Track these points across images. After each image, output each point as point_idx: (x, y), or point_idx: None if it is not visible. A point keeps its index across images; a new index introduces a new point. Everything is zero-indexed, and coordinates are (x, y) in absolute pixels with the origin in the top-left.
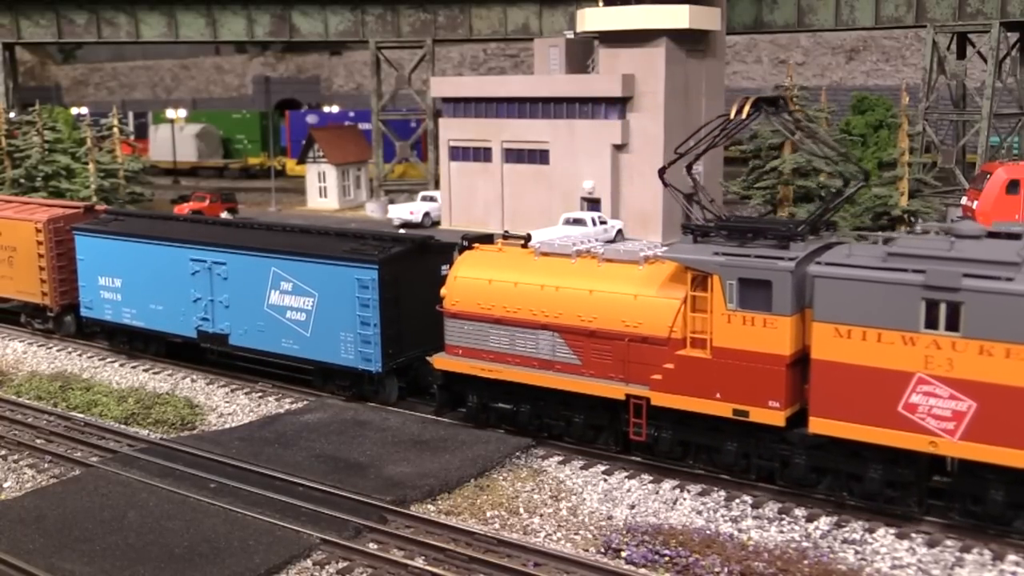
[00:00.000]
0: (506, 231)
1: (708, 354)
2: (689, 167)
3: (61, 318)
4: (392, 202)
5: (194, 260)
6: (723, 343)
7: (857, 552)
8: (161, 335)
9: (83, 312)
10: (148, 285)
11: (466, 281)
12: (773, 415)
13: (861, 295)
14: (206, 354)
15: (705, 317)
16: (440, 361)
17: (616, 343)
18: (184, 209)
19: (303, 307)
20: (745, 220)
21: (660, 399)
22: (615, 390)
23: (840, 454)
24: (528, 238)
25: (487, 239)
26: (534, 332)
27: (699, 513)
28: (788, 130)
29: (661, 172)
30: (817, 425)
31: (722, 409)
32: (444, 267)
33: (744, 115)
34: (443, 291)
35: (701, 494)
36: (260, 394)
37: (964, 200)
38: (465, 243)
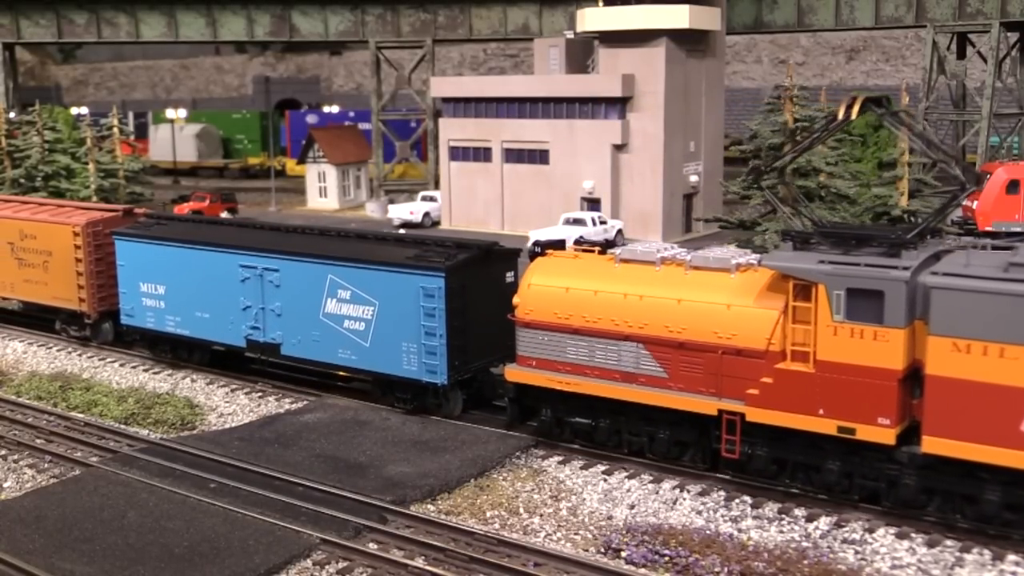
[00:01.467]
0: (581, 237)
1: (811, 368)
2: (782, 171)
3: (99, 325)
4: (392, 202)
5: (244, 266)
6: (828, 356)
7: (857, 552)
8: (207, 344)
9: (123, 320)
10: (194, 292)
11: (541, 289)
12: (883, 433)
13: (982, 307)
14: (251, 363)
15: (808, 329)
16: (512, 373)
17: (707, 355)
18: (184, 209)
19: (362, 316)
20: (849, 227)
21: (756, 415)
22: (706, 405)
23: (953, 474)
24: (606, 244)
25: (559, 245)
26: (616, 343)
27: (699, 513)
28: (896, 128)
29: (759, 174)
30: (931, 444)
31: (826, 426)
32: (509, 274)
33: (853, 115)
34: (516, 299)
35: (701, 494)
36: (260, 394)
37: (964, 200)
38: (537, 249)
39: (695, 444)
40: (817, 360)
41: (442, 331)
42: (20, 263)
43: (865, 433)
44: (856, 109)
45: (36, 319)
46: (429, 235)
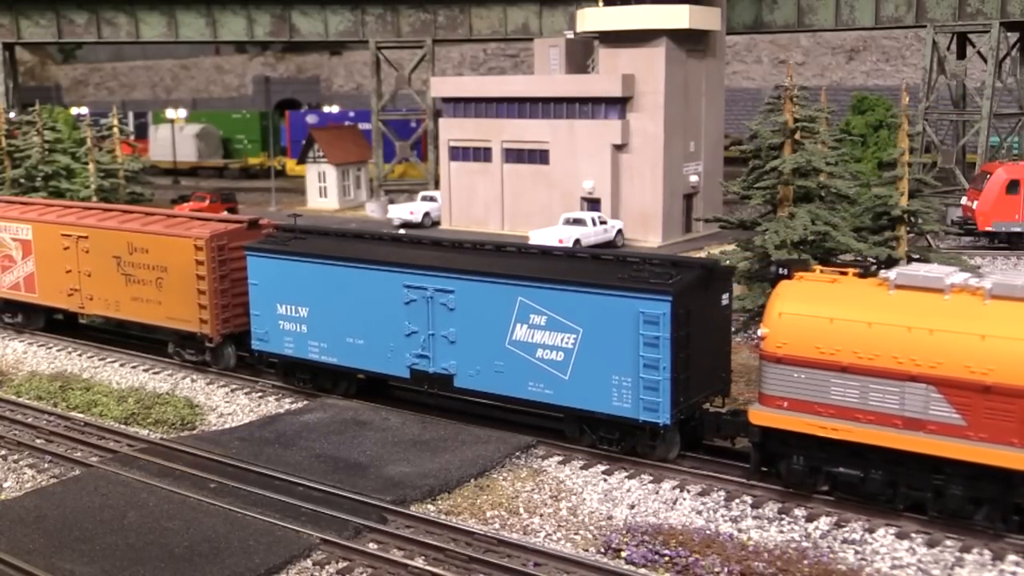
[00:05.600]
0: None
1: None
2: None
3: (221, 350)
4: (392, 202)
5: (410, 287)
6: None
7: (857, 552)
8: (360, 373)
9: (255, 345)
10: (345, 315)
11: (796, 319)
12: None
13: None
14: (394, 391)
15: None
16: (759, 415)
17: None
18: (184, 209)
19: (561, 345)
20: None
21: None
22: (1021, 459)
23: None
24: (868, 267)
25: (801, 264)
26: (898, 384)
27: (699, 513)
28: None
29: None
30: None
31: None
32: (724, 296)
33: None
34: (763, 330)
35: (701, 494)
36: (260, 394)
37: (964, 200)
38: (783, 271)
39: (994, 501)
40: None
41: (666, 363)
42: (128, 279)
43: None
44: None
45: (122, 336)
46: (638, 252)
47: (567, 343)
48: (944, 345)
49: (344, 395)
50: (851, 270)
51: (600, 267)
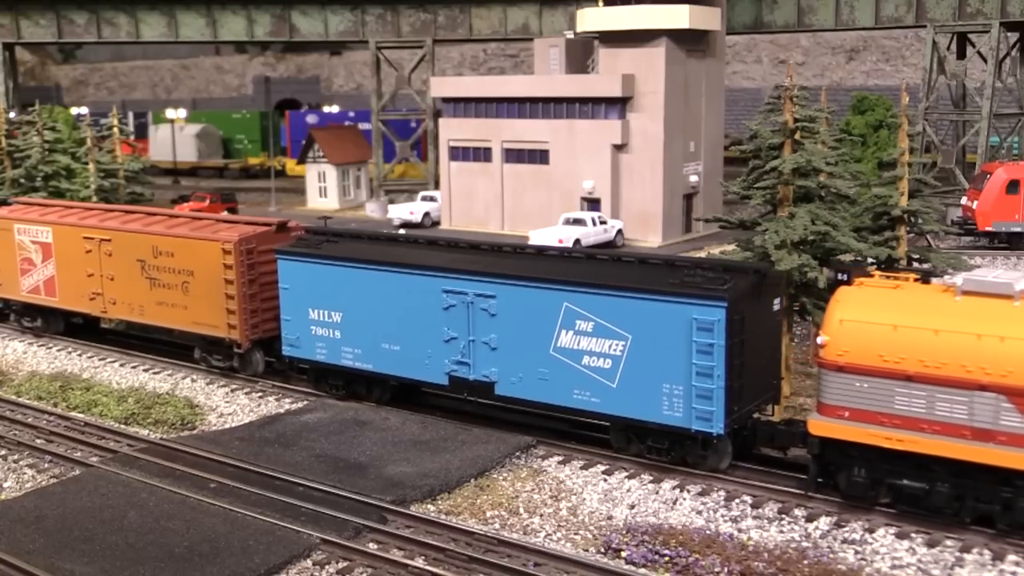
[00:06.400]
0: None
1: None
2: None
3: (250, 355)
4: (392, 202)
5: (449, 292)
6: None
7: (857, 552)
8: (396, 380)
9: (285, 351)
10: (380, 321)
11: (858, 326)
12: None
13: None
14: (427, 398)
15: None
16: (819, 425)
17: None
18: (184, 209)
19: (609, 352)
20: None
21: None
22: None
23: None
24: (928, 273)
25: (860, 269)
26: (967, 394)
27: (699, 513)
28: None
29: None
30: None
31: None
32: (776, 301)
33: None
34: (823, 337)
35: (701, 494)
36: (260, 394)
37: (964, 200)
38: (842, 276)
39: None
40: None
41: (720, 371)
42: (152, 283)
43: None
44: None
45: (141, 340)
46: (669, 256)
47: (615, 350)
48: (1015, 353)
49: (378, 402)
50: (910, 275)
51: (648, 272)
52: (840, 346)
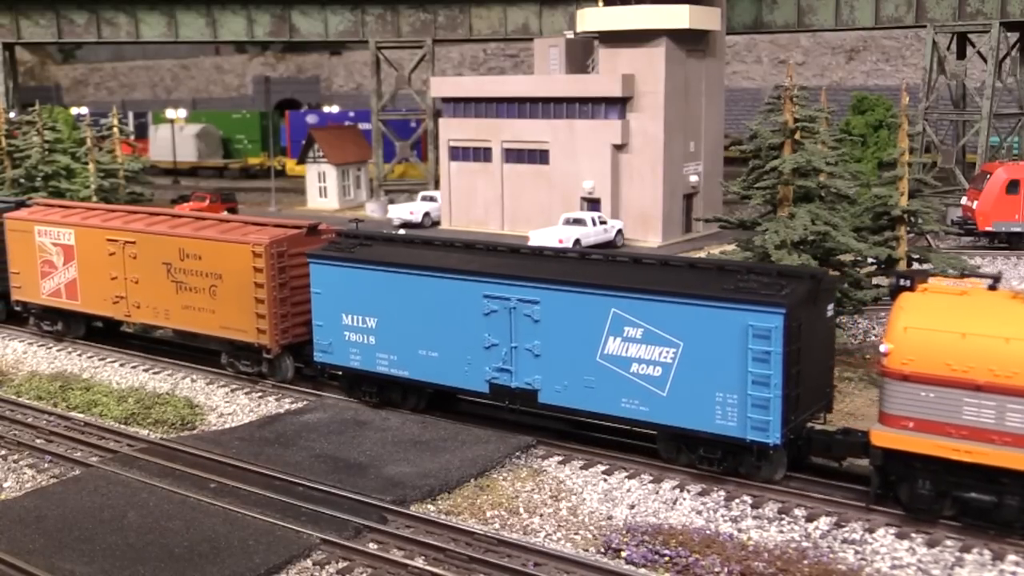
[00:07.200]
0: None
1: None
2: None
3: (280, 361)
4: (392, 202)
5: (490, 297)
6: None
7: (857, 552)
8: (433, 388)
9: (317, 356)
10: (417, 327)
11: (923, 334)
12: None
13: None
14: (462, 405)
15: None
16: (882, 436)
17: None
18: (184, 209)
19: (659, 359)
20: None
21: None
22: None
23: None
24: (998, 277)
25: (923, 274)
26: None
27: (699, 513)
28: None
29: None
30: None
31: None
32: (829, 307)
33: None
34: (886, 345)
35: (701, 494)
36: (260, 394)
37: (964, 200)
38: (905, 282)
39: None
40: None
41: (777, 380)
42: (179, 287)
43: None
44: None
45: (170, 346)
46: (719, 260)
47: (666, 357)
48: None
49: (414, 409)
50: (977, 281)
51: (699, 276)
52: (905, 355)
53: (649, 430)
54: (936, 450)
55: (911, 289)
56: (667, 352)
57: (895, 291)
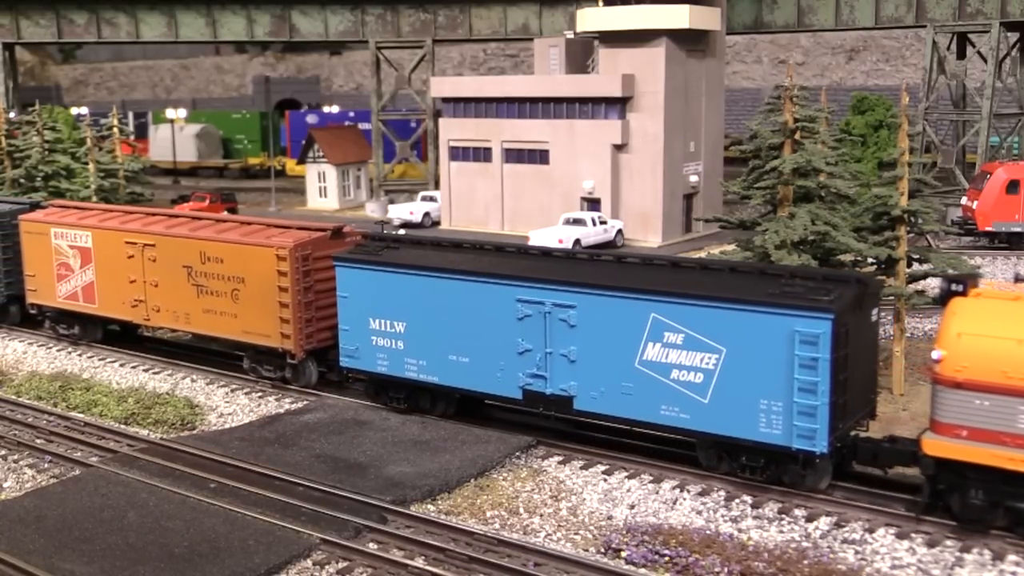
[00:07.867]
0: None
1: None
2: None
3: (304, 366)
4: (392, 202)
5: (524, 301)
6: None
7: (857, 552)
8: (464, 393)
9: (343, 361)
10: (448, 331)
11: (978, 340)
12: None
13: None
14: (491, 411)
15: None
16: (934, 445)
17: None
18: (184, 209)
19: (701, 366)
20: None
21: None
22: None
23: None
24: None
25: (975, 279)
26: None
27: (699, 513)
28: None
29: None
30: None
31: None
32: (874, 311)
33: None
34: (939, 352)
35: (701, 494)
36: (260, 394)
37: (964, 200)
38: (957, 287)
39: None
40: None
41: (825, 387)
42: (199, 290)
43: None
44: None
45: (189, 350)
46: (762, 264)
47: (708, 363)
48: None
49: (443, 415)
50: None
51: (742, 281)
52: (958, 362)
53: (690, 438)
54: (991, 459)
55: (963, 294)
56: (709, 358)
57: (946, 296)
